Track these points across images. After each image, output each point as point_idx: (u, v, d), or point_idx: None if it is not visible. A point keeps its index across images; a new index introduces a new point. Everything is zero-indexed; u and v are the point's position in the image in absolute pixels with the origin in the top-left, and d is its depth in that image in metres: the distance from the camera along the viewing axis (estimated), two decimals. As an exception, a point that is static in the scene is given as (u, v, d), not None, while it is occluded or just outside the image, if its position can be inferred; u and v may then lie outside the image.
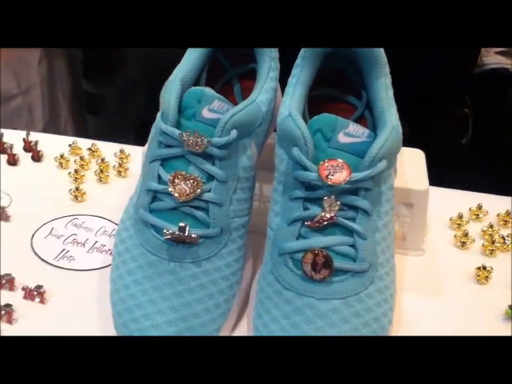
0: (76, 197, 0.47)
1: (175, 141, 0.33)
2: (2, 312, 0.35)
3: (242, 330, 0.35)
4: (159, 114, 0.35)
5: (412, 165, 0.43)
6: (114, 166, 0.51)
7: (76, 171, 0.49)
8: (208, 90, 0.35)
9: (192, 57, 0.37)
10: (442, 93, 0.66)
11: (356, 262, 0.31)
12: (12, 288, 0.37)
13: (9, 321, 0.35)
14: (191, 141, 0.33)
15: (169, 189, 0.33)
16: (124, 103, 1.22)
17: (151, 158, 0.35)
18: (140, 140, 0.55)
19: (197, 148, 0.33)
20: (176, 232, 0.32)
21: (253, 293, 0.35)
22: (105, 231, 0.44)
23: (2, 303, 0.35)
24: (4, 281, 0.37)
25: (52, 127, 1.09)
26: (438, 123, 0.69)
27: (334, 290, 0.31)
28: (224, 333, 0.34)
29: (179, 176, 0.33)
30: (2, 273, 0.38)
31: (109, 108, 1.20)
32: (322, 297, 0.31)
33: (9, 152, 0.51)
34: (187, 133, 0.33)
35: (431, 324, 0.37)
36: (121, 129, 0.86)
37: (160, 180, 0.34)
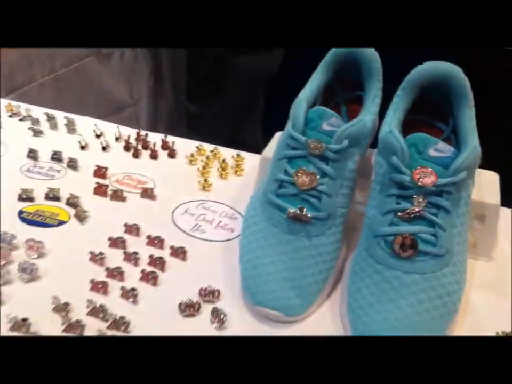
0: (203, 187, 0.59)
1: (300, 145, 0.44)
2: (158, 262, 0.47)
3: (337, 295, 0.44)
4: (289, 123, 0.46)
5: (486, 184, 0.51)
6: (232, 166, 0.63)
7: (203, 167, 0.62)
8: (327, 109, 0.46)
9: (314, 84, 0.49)
10: None
11: (436, 247, 0.40)
12: (162, 247, 0.50)
13: (162, 269, 0.47)
14: (313, 146, 0.43)
15: (294, 180, 0.43)
16: (221, 123, 1.37)
17: (279, 156, 0.46)
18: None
19: (317, 151, 0.44)
20: (297, 212, 0.43)
21: (347, 268, 0.44)
22: (226, 214, 0.55)
23: (156, 257, 0.47)
24: (156, 241, 0.50)
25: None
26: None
27: (417, 267, 0.39)
28: (324, 293, 0.44)
29: (301, 171, 0.44)
30: (154, 235, 0.50)
31: (208, 126, 1.35)
32: (406, 271, 0.39)
33: (152, 148, 0.65)
34: (311, 140, 0.44)
35: (495, 321, 0.43)
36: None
37: (286, 172, 0.45)
